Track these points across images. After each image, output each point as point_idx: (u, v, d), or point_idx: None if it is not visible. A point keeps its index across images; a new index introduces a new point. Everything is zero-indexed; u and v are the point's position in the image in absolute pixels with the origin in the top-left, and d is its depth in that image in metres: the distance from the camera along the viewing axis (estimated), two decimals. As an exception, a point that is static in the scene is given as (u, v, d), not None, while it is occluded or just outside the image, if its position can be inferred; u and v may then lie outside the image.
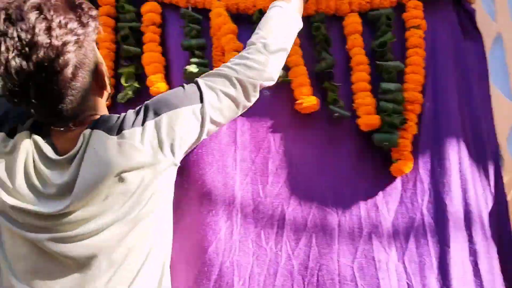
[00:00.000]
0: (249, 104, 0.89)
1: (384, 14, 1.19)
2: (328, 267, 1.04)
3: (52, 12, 0.71)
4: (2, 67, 0.69)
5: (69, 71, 0.72)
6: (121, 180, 0.75)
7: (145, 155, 0.76)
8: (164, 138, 0.78)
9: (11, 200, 0.75)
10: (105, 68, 0.83)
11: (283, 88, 1.13)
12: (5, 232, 0.79)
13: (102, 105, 0.85)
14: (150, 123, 0.78)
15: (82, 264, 0.75)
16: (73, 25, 0.73)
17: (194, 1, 1.20)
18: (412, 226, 1.08)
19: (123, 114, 0.81)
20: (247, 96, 0.86)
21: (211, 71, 0.88)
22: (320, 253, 1.06)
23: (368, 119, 1.15)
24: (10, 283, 0.76)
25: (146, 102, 0.82)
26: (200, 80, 0.84)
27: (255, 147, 1.12)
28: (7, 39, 0.69)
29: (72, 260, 0.75)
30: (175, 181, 0.83)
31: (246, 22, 1.16)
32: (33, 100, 0.73)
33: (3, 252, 0.78)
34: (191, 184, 1.10)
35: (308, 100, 1.12)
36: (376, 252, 1.06)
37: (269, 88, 0.92)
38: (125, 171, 0.75)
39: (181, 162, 0.82)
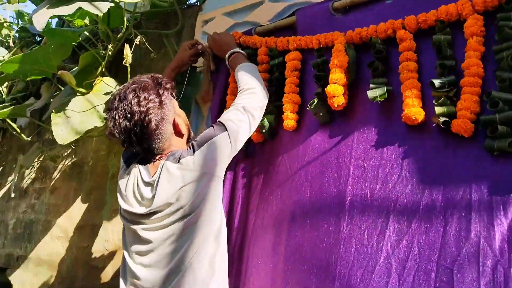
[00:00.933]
0: (257, 122, 1.30)
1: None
2: (426, 268, 0.99)
3: (141, 91, 1.19)
4: (116, 129, 1.19)
5: (153, 124, 1.17)
6: (180, 194, 1.14)
7: (195, 173, 1.15)
8: (208, 160, 1.16)
9: (124, 205, 1.23)
10: (182, 121, 1.26)
11: (396, 100, 1.21)
12: (125, 227, 1.27)
13: (180, 144, 1.27)
14: (197, 153, 1.17)
15: (158, 243, 1.16)
16: (153, 97, 1.19)
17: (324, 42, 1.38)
18: None
19: (184, 150, 1.21)
20: (253, 118, 1.27)
21: (226, 111, 1.28)
22: (420, 254, 1.02)
23: (464, 124, 1.05)
24: (125, 256, 1.24)
25: (191, 142, 1.21)
26: (221, 118, 1.24)
27: (367, 155, 1.20)
28: (118, 111, 1.18)
29: (151, 242, 1.17)
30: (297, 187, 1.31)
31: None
32: (135, 145, 1.21)
33: (124, 239, 1.27)
34: (307, 191, 1.28)
35: (410, 111, 1.12)
36: (482, 257, 0.93)
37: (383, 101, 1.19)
38: (183, 186, 1.14)
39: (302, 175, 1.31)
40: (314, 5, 1.49)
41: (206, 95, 1.77)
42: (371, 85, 1.23)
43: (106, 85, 1.90)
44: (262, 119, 1.41)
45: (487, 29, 1.11)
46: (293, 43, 1.46)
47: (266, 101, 1.36)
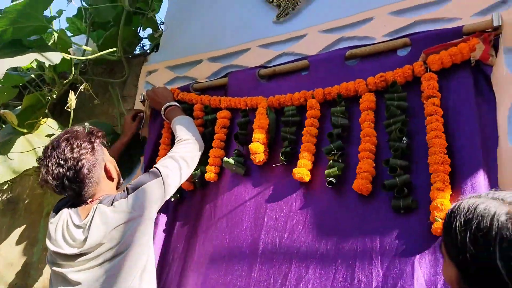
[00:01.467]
0: (190, 170, 1.45)
1: (397, 98, 1.29)
2: None
3: (73, 139, 1.31)
4: (50, 175, 1.28)
5: (85, 169, 1.29)
6: (112, 235, 1.22)
7: (128, 215, 1.24)
8: (140, 203, 1.26)
9: (53, 248, 1.28)
10: (112, 166, 1.40)
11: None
12: (52, 273, 1.31)
13: (110, 188, 1.38)
14: (130, 196, 1.27)
15: (87, 285, 1.21)
16: (85, 144, 1.32)
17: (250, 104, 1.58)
18: None
19: (118, 193, 1.31)
20: (187, 166, 1.42)
21: (162, 158, 1.42)
22: None
23: (362, 184, 1.22)
24: None
25: (126, 186, 1.31)
26: (157, 165, 1.36)
27: (279, 207, 1.37)
28: (51, 159, 1.29)
29: (79, 283, 1.22)
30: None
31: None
32: (67, 190, 1.30)
33: (51, 285, 1.31)
34: (226, 237, 1.44)
35: (297, 171, 1.33)
36: None
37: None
38: (116, 226, 1.23)
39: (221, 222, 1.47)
40: (245, 70, 1.69)
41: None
42: (282, 150, 1.42)
43: (48, 126, 1.97)
44: (196, 169, 1.55)
45: (379, 105, 1.34)
46: (224, 103, 1.64)
47: (200, 151, 1.51)
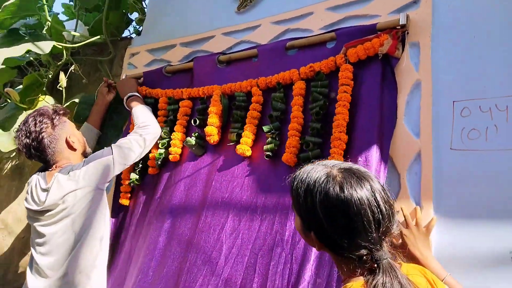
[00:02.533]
0: (144, 152, 1.72)
1: (320, 85, 1.54)
2: (242, 253, 1.47)
3: (38, 116, 1.62)
4: (20, 145, 1.62)
5: (45, 141, 1.60)
6: (65, 198, 1.53)
7: (79, 184, 1.55)
8: (92, 175, 1.56)
9: (26, 204, 1.61)
10: (76, 138, 1.70)
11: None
12: (31, 226, 1.62)
13: (74, 156, 1.69)
14: (83, 168, 1.57)
15: (50, 236, 1.54)
16: (46, 120, 1.62)
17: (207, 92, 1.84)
18: None
19: (76, 164, 1.61)
20: (137, 148, 1.67)
21: (122, 138, 1.71)
22: (241, 244, 1.48)
23: (289, 157, 1.49)
24: (31, 248, 1.60)
25: (84, 159, 1.62)
26: (114, 144, 1.65)
27: (224, 174, 1.66)
28: (21, 132, 1.62)
29: (45, 235, 1.54)
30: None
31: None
32: (34, 157, 1.63)
33: (31, 236, 1.63)
34: (183, 197, 1.74)
35: (240, 147, 1.60)
36: (275, 246, 1.43)
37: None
38: (69, 192, 1.54)
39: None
40: (207, 55, 1.95)
41: None
42: (230, 130, 1.70)
43: (46, 102, 2.28)
44: (160, 153, 1.85)
45: (308, 91, 1.60)
46: (185, 93, 1.91)
47: (157, 135, 1.78)
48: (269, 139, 1.58)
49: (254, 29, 1.90)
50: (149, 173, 1.94)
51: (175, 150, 1.83)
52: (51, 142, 1.61)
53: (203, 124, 1.79)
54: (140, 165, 1.95)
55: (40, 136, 1.59)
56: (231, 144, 1.69)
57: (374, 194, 0.87)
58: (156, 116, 1.96)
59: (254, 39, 1.88)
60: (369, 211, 0.85)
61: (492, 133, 1.23)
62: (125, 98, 1.95)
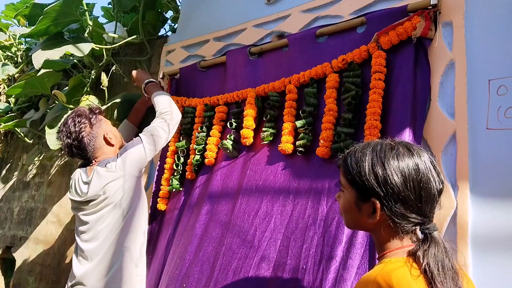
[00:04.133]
0: (169, 136, 1.80)
1: (352, 75, 1.54)
2: (275, 237, 1.49)
3: (76, 117, 1.73)
4: (63, 145, 1.74)
5: (85, 140, 1.71)
6: (105, 189, 1.63)
7: (116, 174, 1.64)
8: (126, 165, 1.66)
9: (70, 196, 1.73)
10: (112, 135, 1.79)
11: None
12: (75, 216, 1.76)
13: (112, 151, 1.78)
14: (118, 159, 1.67)
15: (93, 224, 1.64)
16: (84, 120, 1.73)
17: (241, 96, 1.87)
18: None
19: (112, 157, 1.70)
20: (164, 133, 1.76)
21: (147, 127, 1.78)
22: (274, 228, 1.51)
23: (323, 151, 1.49)
24: (75, 237, 1.72)
25: (118, 152, 1.72)
26: (141, 133, 1.74)
27: (259, 166, 1.69)
28: (62, 133, 1.73)
29: (88, 222, 1.65)
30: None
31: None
32: (75, 155, 1.75)
33: (75, 225, 1.75)
34: (221, 186, 1.79)
35: (283, 146, 1.61)
36: (307, 230, 1.45)
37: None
38: (108, 183, 1.63)
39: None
40: (239, 48, 1.99)
41: None
42: (263, 129, 1.72)
43: (90, 102, 2.41)
44: (196, 160, 1.91)
45: (340, 82, 1.59)
46: (221, 100, 1.95)
47: (178, 119, 1.84)
48: (302, 134, 1.59)
49: (284, 19, 1.92)
50: (187, 178, 1.99)
51: (211, 154, 1.88)
52: (91, 140, 1.72)
53: (239, 127, 1.83)
54: (180, 171, 2.01)
55: (80, 136, 1.69)
56: (264, 143, 1.71)
57: (434, 163, 0.92)
58: (194, 123, 2.02)
59: (285, 28, 1.90)
60: (434, 177, 0.90)
61: (531, 110, 1.19)
62: (143, 84, 2.03)
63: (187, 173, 1.98)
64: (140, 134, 1.74)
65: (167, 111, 1.82)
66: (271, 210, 1.54)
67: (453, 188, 1.26)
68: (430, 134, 1.37)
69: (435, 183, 0.89)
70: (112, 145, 1.79)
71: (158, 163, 2.17)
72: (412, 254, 0.86)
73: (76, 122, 1.71)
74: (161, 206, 2.03)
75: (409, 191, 0.87)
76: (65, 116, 1.85)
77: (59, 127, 1.76)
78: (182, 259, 1.70)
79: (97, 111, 1.80)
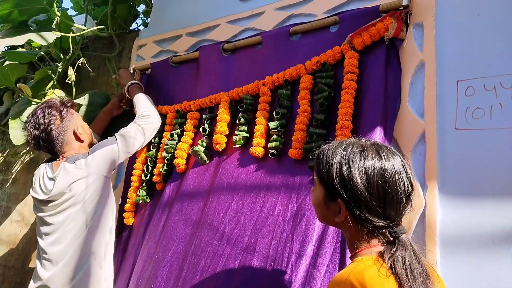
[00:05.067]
0: (146, 140, 1.76)
1: (325, 76, 1.54)
2: (243, 234, 1.48)
3: (46, 108, 1.65)
4: (29, 136, 1.65)
5: (54, 133, 1.63)
6: (72, 187, 1.55)
7: (85, 172, 1.58)
8: (97, 163, 1.60)
9: (33, 194, 1.64)
10: (82, 130, 1.73)
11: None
12: (36, 217, 1.66)
13: (80, 147, 1.71)
14: (89, 157, 1.60)
15: (58, 225, 1.56)
16: (54, 112, 1.65)
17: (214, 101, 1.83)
18: None
19: (81, 154, 1.64)
20: (141, 137, 1.71)
21: (124, 127, 1.72)
22: (243, 224, 1.50)
23: (295, 152, 1.48)
24: (38, 240, 1.62)
25: (90, 149, 1.65)
26: (118, 133, 1.68)
27: (231, 168, 1.66)
28: (30, 123, 1.65)
29: (52, 224, 1.57)
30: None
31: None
32: (42, 148, 1.66)
33: (37, 227, 1.65)
34: (191, 187, 1.75)
35: (254, 150, 1.58)
36: (276, 226, 1.44)
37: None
38: (75, 181, 1.56)
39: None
40: (211, 44, 1.96)
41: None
42: (235, 132, 1.68)
43: (56, 96, 2.33)
44: (165, 169, 1.84)
45: (314, 84, 1.58)
46: (194, 105, 1.91)
47: (158, 125, 1.79)
48: (274, 136, 1.57)
49: (258, 16, 1.90)
50: (156, 189, 1.93)
51: (181, 162, 1.81)
52: (59, 134, 1.64)
53: (211, 132, 1.79)
54: (148, 182, 1.94)
55: (49, 128, 1.62)
56: (236, 146, 1.68)
57: (405, 166, 0.92)
58: (164, 131, 1.96)
59: (259, 26, 1.88)
60: (401, 180, 0.89)
61: (496, 112, 1.21)
62: (126, 86, 1.98)
63: (156, 184, 1.92)
64: (116, 134, 1.68)
65: (148, 115, 1.78)
66: (241, 207, 1.52)
67: (422, 187, 1.28)
68: (400, 133, 1.38)
69: (404, 186, 0.89)
70: (82, 141, 1.72)
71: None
72: (381, 255, 0.86)
73: (45, 114, 1.63)
74: (128, 220, 1.94)
75: (372, 195, 0.88)
76: (34, 106, 1.77)
77: (27, 117, 1.68)
78: (151, 259, 1.67)
79: (69, 104, 1.73)
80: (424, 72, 1.39)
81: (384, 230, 0.89)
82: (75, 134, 1.69)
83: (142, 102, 1.83)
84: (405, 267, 0.82)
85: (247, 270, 1.38)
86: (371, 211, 0.88)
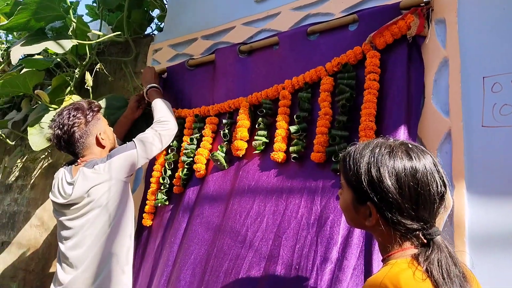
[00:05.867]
0: (162, 147, 1.74)
1: (347, 77, 1.51)
2: (267, 237, 1.47)
3: (72, 110, 1.65)
4: (52, 135, 1.66)
5: (76, 135, 1.63)
6: (91, 192, 1.55)
7: (104, 177, 1.58)
8: (116, 168, 1.60)
9: (52, 197, 1.65)
10: (105, 136, 1.72)
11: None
12: (57, 222, 1.67)
13: (100, 152, 1.70)
14: (108, 162, 1.60)
15: (78, 229, 1.57)
16: (80, 115, 1.65)
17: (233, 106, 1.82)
18: None
19: (100, 158, 1.64)
20: (158, 143, 1.71)
21: (142, 133, 1.72)
22: (266, 227, 1.48)
23: (318, 156, 1.45)
24: (59, 244, 1.63)
25: (108, 154, 1.65)
26: (136, 138, 1.68)
27: (251, 172, 1.65)
28: (55, 123, 1.66)
29: (72, 228, 1.57)
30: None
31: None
32: (63, 148, 1.67)
33: (58, 231, 1.66)
34: (214, 192, 1.74)
35: (274, 155, 1.56)
36: (300, 229, 1.42)
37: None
38: (95, 185, 1.56)
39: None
40: (228, 46, 1.95)
41: None
42: (255, 137, 1.66)
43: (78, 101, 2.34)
44: (185, 173, 1.84)
45: (335, 86, 1.55)
46: (212, 110, 1.90)
47: (175, 131, 1.79)
48: (296, 140, 1.55)
49: (274, 17, 1.89)
50: (174, 192, 1.91)
51: (201, 167, 1.80)
52: (81, 137, 1.65)
53: (230, 137, 1.77)
54: (167, 185, 1.93)
55: (72, 130, 1.62)
56: (256, 152, 1.66)
57: (436, 165, 0.88)
58: (183, 135, 1.96)
59: (275, 27, 1.87)
60: (434, 180, 0.86)
61: (526, 108, 1.18)
62: (145, 89, 1.98)
63: (174, 187, 1.90)
64: (134, 140, 1.68)
65: (166, 121, 1.77)
66: (263, 210, 1.51)
67: (449, 188, 1.25)
68: (424, 132, 1.35)
69: (437, 186, 0.86)
70: (103, 147, 1.72)
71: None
72: (415, 258, 0.84)
73: (71, 115, 1.64)
74: (147, 222, 1.94)
75: (403, 197, 0.85)
76: (63, 107, 1.77)
77: (53, 116, 1.69)
78: (173, 263, 1.66)
79: (96, 108, 1.72)
80: (448, 69, 1.35)
81: (417, 232, 0.86)
82: (97, 139, 1.69)
83: (160, 108, 1.83)
84: (441, 270, 0.79)
85: (272, 274, 1.36)
86: (403, 213, 0.85)
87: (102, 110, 1.82)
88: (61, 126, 1.63)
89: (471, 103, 1.28)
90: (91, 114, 1.69)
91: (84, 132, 1.65)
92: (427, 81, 1.39)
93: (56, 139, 1.65)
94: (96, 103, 1.75)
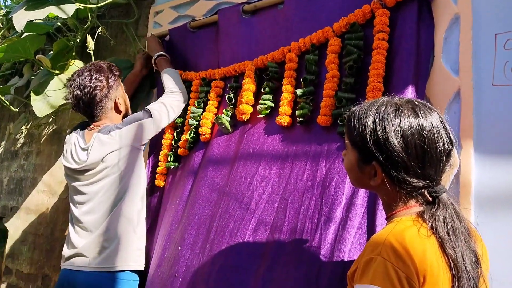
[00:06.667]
0: (174, 117, 1.77)
1: (354, 37, 1.46)
2: (273, 199, 1.47)
3: (94, 72, 1.64)
4: (71, 95, 1.65)
5: (97, 97, 1.63)
6: (106, 158, 1.57)
7: (120, 143, 1.59)
8: (133, 136, 1.60)
9: (65, 163, 1.65)
10: (122, 101, 1.73)
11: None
12: (69, 185, 1.70)
13: (116, 118, 1.72)
14: (124, 129, 1.61)
15: (93, 195, 1.59)
16: (102, 78, 1.65)
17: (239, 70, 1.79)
18: None
19: (114, 124, 1.64)
20: (172, 113, 1.73)
21: (154, 102, 1.73)
22: (272, 190, 1.48)
23: (325, 119, 1.43)
24: (71, 207, 1.66)
25: (122, 120, 1.66)
26: (149, 107, 1.68)
27: (256, 134, 1.64)
28: (75, 82, 1.65)
29: (87, 194, 1.60)
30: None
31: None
32: (81, 110, 1.66)
33: (70, 194, 1.69)
34: (218, 156, 1.73)
35: (280, 119, 1.53)
36: (306, 191, 1.42)
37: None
38: (110, 152, 1.57)
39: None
40: (230, 7, 1.89)
41: None
42: (260, 101, 1.63)
43: (76, 67, 2.31)
44: (192, 136, 1.82)
45: (343, 47, 1.50)
46: (218, 74, 1.86)
47: (185, 103, 1.79)
48: (302, 103, 1.52)
49: (279, -26, 1.82)
50: (179, 154, 1.90)
51: (206, 130, 1.79)
52: (101, 101, 1.64)
53: (236, 101, 1.75)
54: (176, 148, 1.92)
55: (94, 93, 1.62)
56: (261, 116, 1.63)
57: (443, 122, 0.87)
58: (189, 98, 1.93)
59: (279, -15, 1.80)
60: (440, 137, 0.85)
61: (539, 65, 1.14)
62: (153, 57, 1.94)
63: (180, 149, 1.89)
64: (149, 108, 1.68)
65: (176, 92, 1.77)
66: (269, 173, 1.50)
67: (456, 146, 1.23)
68: (433, 92, 1.32)
69: (443, 144, 0.85)
70: (120, 112, 1.73)
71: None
72: (420, 215, 0.83)
73: (93, 78, 1.63)
74: (159, 182, 1.95)
75: (410, 156, 0.84)
76: (82, 67, 1.75)
77: (72, 76, 1.67)
78: (178, 223, 1.68)
79: (117, 72, 1.71)
80: (459, 26, 1.31)
81: (423, 190, 0.86)
82: (115, 104, 1.70)
83: (170, 78, 1.81)
84: (446, 227, 0.79)
85: (277, 235, 1.37)
86: (409, 172, 0.84)
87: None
88: (82, 87, 1.61)
89: (482, 61, 1.24)
90: (113, 78, 1.69)
91: (104, 95, 1.65)
92: (437, 39, 1.35)
93: (75, 100, 1.64)
94: (116, 66, 1.73)
